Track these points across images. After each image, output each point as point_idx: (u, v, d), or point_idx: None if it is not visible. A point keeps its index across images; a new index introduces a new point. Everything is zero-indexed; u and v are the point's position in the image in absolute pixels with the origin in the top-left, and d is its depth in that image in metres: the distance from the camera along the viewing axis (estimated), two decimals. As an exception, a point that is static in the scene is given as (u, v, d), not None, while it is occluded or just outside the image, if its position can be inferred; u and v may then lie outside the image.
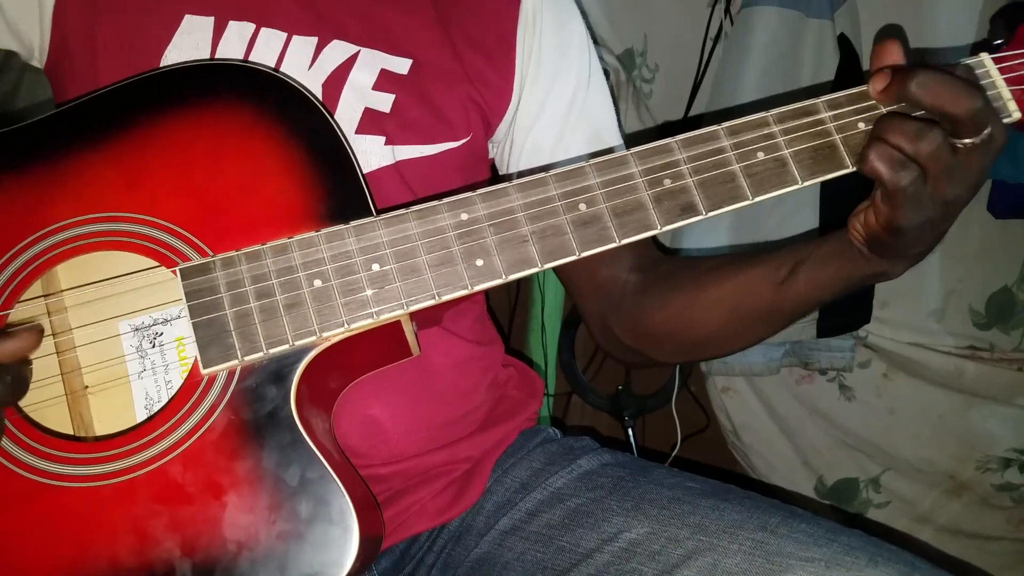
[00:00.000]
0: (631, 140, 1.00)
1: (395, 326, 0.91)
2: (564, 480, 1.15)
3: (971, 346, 2.39)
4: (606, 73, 2.11)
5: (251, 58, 1.08)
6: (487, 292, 1.35)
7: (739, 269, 1.09)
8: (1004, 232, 2.30)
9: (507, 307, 2.28)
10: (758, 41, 2.02)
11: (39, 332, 0.87)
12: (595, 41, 2.12)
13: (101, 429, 0.89)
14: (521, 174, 1.18)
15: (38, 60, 1.13)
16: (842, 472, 2.58)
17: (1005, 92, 0.90)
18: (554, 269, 1.27)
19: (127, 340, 0.90)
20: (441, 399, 1.17)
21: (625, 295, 1.21)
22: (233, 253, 0.89)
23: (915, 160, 0.83)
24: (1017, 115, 0.90)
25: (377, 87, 1.11)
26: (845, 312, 2.23)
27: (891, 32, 0.90)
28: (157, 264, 0.90)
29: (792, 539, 0.94)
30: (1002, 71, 0.91)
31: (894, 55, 0.89)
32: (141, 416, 0.89)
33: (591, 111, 1.24)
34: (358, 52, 1.12)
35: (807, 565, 0.90)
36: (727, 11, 2.19)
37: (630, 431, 2.33)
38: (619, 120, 1.28)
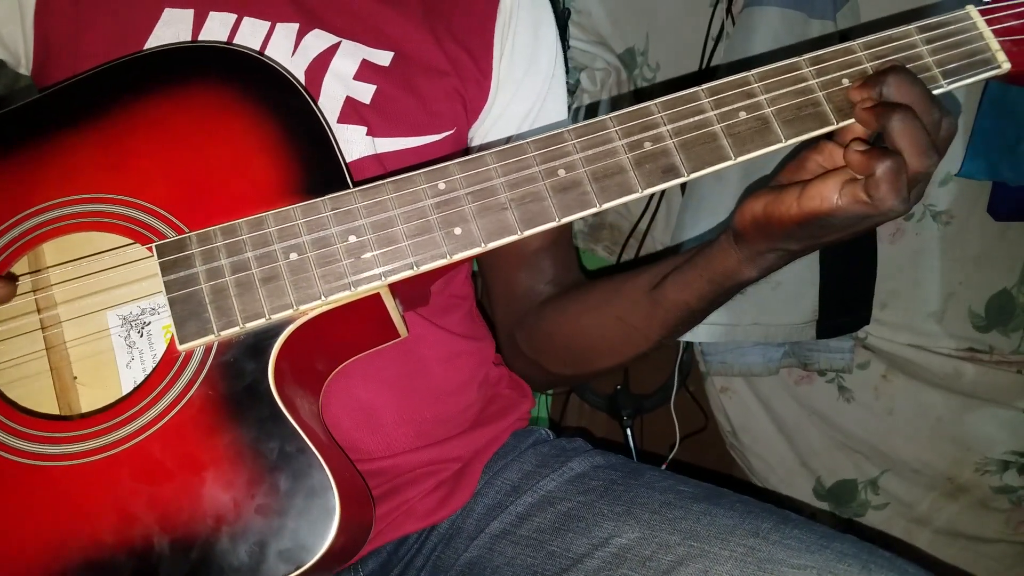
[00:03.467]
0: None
1: (377, 302, 0.91)
2: (555, 483, 1.14)
3: (970, 348, 2.37)
4: (607, 72, 2.14)
5: None
6: (477, 287, 1.36)
7: (626, 278, 1.12)
8: (1004, 235, 2.29)
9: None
10: (760, 41, 2.01)
11: (12, 284, 0.89)
12: (596, 40, 2.14)
13: (87, 408, 0.89)
14: None
15: (24, 67, 1.14)
16: (840, 473, 2.56)
17: (993, 43, 0.90)
18: (481, 275, 1.29)
19: (112, 318, 0.91)
20: (431, 393, 1.17)
21: (534, 305, 1.24)
22: (209, 229, 0.89)
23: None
24: (1007, 66, 0.89)
25: (359, 77, 1.12)
26: (845, 313, 2.23)
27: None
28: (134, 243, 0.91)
29: (784, 545, 0.93)
30: (989, 23, 0.90)
31: None
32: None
33: (544, 120, 1.25)
34: (339, 43, 1.12)
35: (799, 572, 0.90)
36: (729, 11, 2.18)
37: (628, 431, 2.33)
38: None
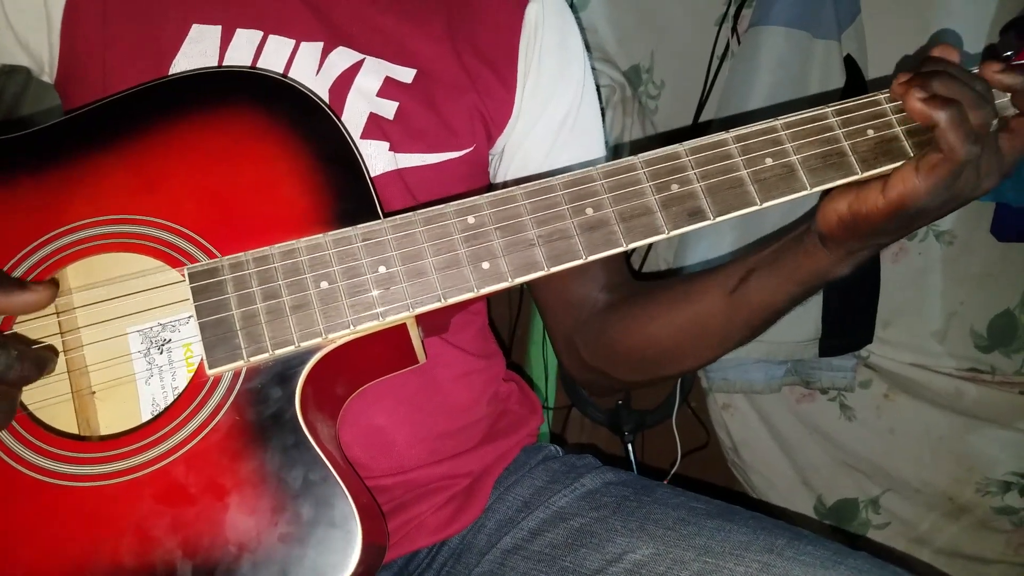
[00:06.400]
0: (636, 149, 1.01)
1: (401, 331, 0.92)
2: (567, 499, 1.15)
3: (972, 368, 2.39)
4: (611, 89, 2.14)
5: (259, 65, 1.08)
6: (489, 304, 1.36)
7: (695, 281, 1.10)
8: (1007, 255, 2.31)
9: (509, 320, 2.28)
10: (765, 60, 2.03)
11: (54, 287, 0.87)
12: (602, 57, 2.14)
13: (106, 430, 0.89)
14: (506, 184, 1.19)
15: (48, 75, 1.13)
16: (842, 492, 2.57)
17: None
18: (528, 285, 1.28)
19: (134, 341, 0.91)
20: (442, 411, 1.17)
21: (592, 313, 1.22)
22: (241, 255, 0.89)
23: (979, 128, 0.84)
24: None
25: (382, 93, 1.12)
26: (847, 332, 2.23)
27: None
28: (165, 265, 0.91)
29: (798, 562, 0.94)
30: None
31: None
32: (146, 418, 0.89)
33: (581, 128, 1.25)
34: (363, 60, 1.12)
35: None
36: (734, 30, 2.19)
37: (629, 446, 2.33)
38: (606, 133, 1.30)
